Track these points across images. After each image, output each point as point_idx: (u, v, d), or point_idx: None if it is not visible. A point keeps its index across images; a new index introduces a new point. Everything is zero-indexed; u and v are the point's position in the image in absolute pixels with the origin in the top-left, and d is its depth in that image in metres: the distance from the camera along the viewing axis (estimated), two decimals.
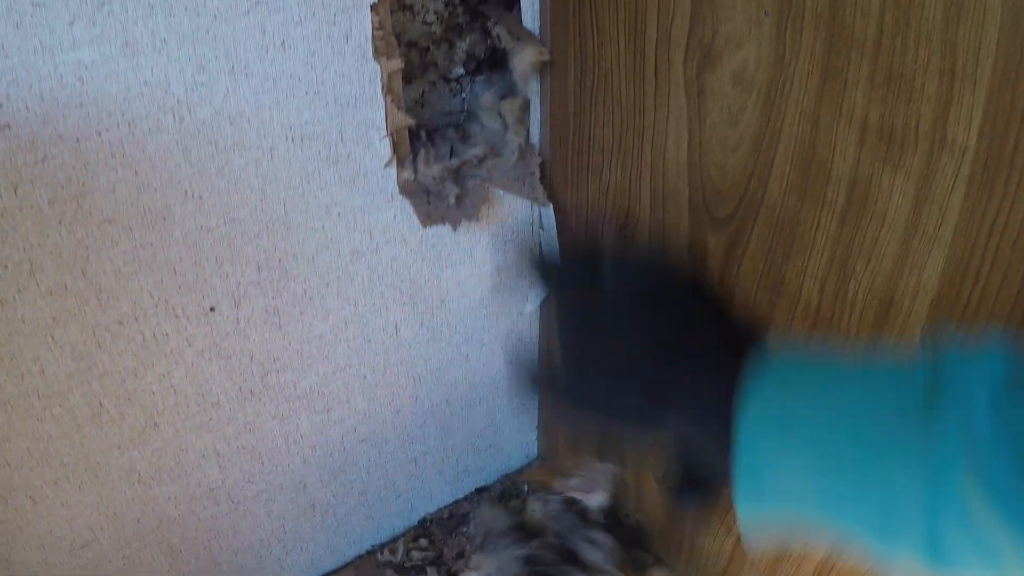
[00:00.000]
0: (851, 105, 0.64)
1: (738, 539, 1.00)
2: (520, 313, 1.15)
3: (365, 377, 1.03)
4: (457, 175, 0.93)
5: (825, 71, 0.65)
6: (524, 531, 1.18)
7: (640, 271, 0.64)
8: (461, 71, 0.94)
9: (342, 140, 0.82)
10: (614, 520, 1.21)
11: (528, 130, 0.99)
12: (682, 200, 0.84)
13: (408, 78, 0.88)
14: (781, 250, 0.76)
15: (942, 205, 0.60)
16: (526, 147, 0.98)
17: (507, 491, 1.34)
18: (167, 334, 0.83)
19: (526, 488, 1.33)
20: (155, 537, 0.98)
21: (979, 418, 0.40)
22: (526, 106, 0.97)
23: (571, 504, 1.19)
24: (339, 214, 0.87)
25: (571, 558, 1.14)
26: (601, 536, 1.15)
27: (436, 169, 0.90)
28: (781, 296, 0.78)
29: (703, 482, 0.61)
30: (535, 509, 1.23)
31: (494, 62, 0.95)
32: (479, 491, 1.34)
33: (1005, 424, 0.39)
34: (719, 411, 0.51)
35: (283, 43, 0.73)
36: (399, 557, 1.22)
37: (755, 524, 0.52)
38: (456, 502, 1.33)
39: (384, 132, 0.84)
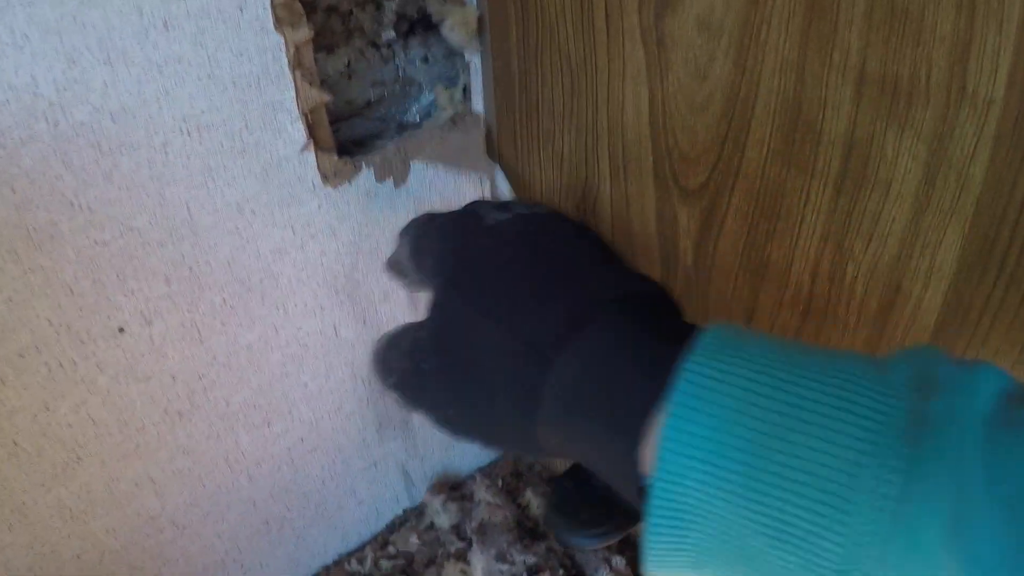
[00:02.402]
0: (844, 50, 0.55)
1: None
2: None
3: (306, 385, 0.97)
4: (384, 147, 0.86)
5: (810, 8, 0.56)
6: (526, 530, 1.15)
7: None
8: (392, 35, 0.85)
9: (247, 127, 0.74)
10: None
11: (470, 96, 0.92)
12: (646, 169, 0.76)
13: (330, 47, 0.81)
14: (764, 227, 0.68)
15: (961, 172, 0.52)
16: (468, 116, 0.92)
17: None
18: (74, 361, 0.76)
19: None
20: (100, 571, 0.93)
21: (972, 462, 0.34)
22: (465, 71, 0.90)
23: None
24: (253, 211, 0.79)
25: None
26: (617, 559, 1.10)
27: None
28: (765, 280, 0.71)
29: (596, 518, 0.53)
30: (537, 504, 1.20)
31: (429, 22, 0.87)
32: (452, 488, 1.28)
33: (993, 459, 0.33)
34: (627, 414, 0.44)
35: (165, 23, 0.65)
36: (367, 567, 1.18)
37: (669, 566, 0.43)
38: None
39: (296, 113, 0.77)
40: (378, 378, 0.61)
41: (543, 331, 0.49)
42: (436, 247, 0.60)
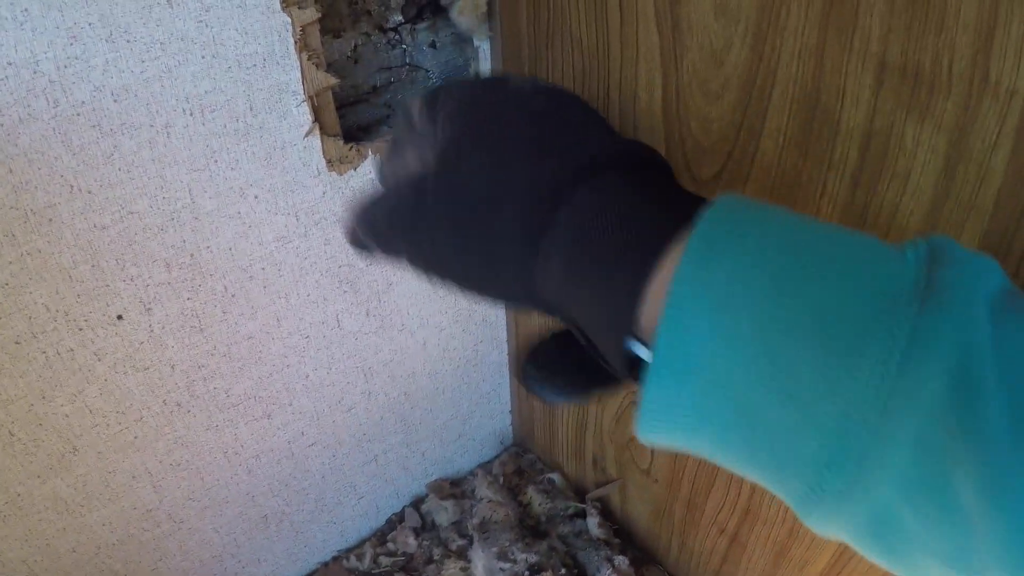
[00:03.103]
0: (865, 36, 0.54)
1: (732, 539, 0.94)
2: None
3: (307, 376, 0.96)
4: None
5: None
6: (527, 528, 1.14)
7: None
8: (399, 19, 0.84)
9: (251, 110, 0.73)
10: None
11: None
12: None
13: (336, 31, 0.80)
14: None
15: (982, 164, 0.51)
16: None
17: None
18: (72, 349, 0.75)
19: None
20: (95, 565, 0.92)
21: (979, 323, 0.34)
22: (474, 57, 0.89)
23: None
24: (256, 196, 0.78)
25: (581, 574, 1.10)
26: (620, 559, 1.09)
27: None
28: None
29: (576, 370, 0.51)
30: (539, 502, 1.18)
31: (438, 6, 0.85)
32: (453, 484, 1.26)
33: (999, 333, 0.33)
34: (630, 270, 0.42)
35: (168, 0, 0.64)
36: (366, 564, 1.16)
37: (663, 429, 0.42)
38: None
39: (302, 96, 0.75)
40: (363, 225, 0.59)
41: (559, 174, 0.47)
42: (456, 96, 0.59)
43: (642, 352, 0.42)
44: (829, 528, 0.38)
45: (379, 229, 0.55)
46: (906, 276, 0.35)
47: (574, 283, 0.45)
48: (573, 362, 0.53)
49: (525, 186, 0.48)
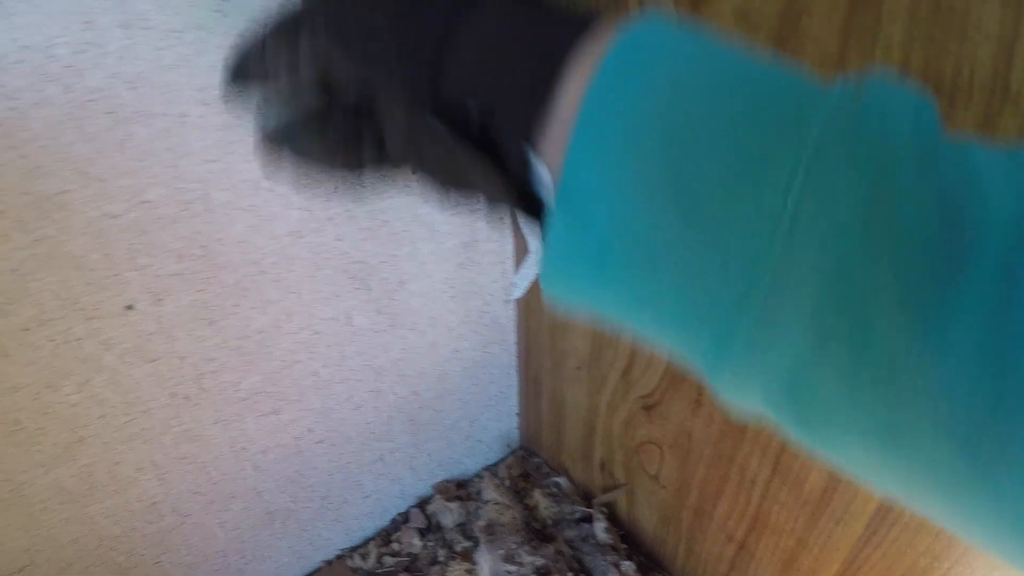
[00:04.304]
0: (887, 45, 0.53)
1: (740, 547, 0.94)
2: (505, 300, 1.07)
3: (317, 373, 0.95)
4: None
5: (854, 1, 0.54)
6: (534, 531, 1.15)
7: None
8: None
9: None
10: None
11: None
12: None
13: None
14: None
15: None
16: None
17: None
18: (80, 339, 0.74)
19: None
20: (98, 556, 0.91)
21: (902, 136, 0.32)
22: None
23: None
24: (270, 189, 0.78)
25: None
26: (626, 564, 1.09)
27: None
28: None
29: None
30: (545, 505, 1.18)
31: None
32: (459, 486, 1.26)
33: (928, 155, 0.32)
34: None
35: None
36: (370, 563, 1.16)
37: (569, 272, 0.40)
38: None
39: None
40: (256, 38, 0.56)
41: None
42: None
43: (540, 176, 0.41)
44: (743, 392, 0.36)
45: (285, 17, 0.51)
46: (826, 102, 0.34)
47: (482, 74, 0.43)
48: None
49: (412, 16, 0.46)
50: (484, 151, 0.44)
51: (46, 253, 0.68)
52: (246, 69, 0.53)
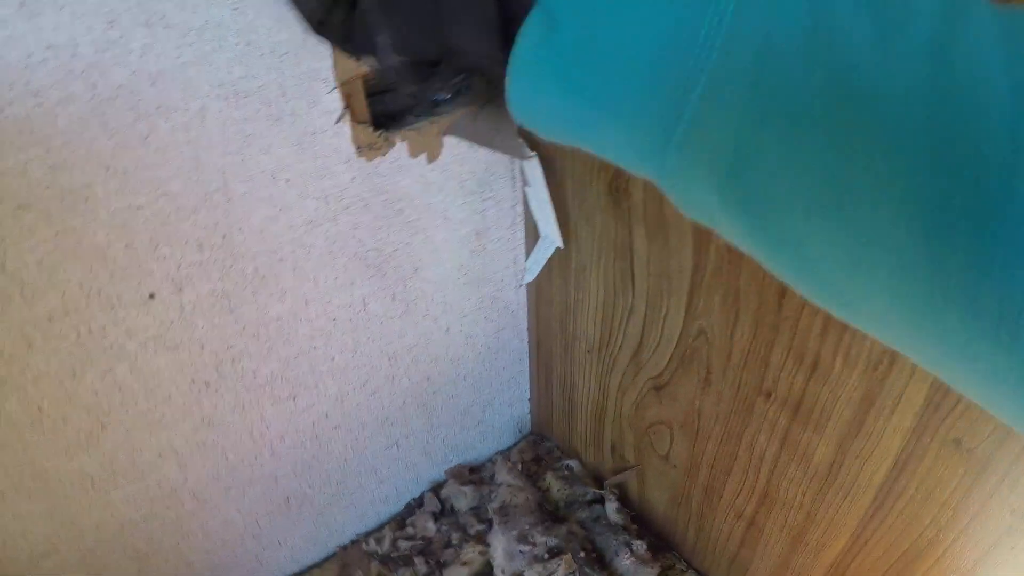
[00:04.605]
0: None
1: (750, 524, 0.95)
2: (517, 286, 1.09)
3: (333, 359, 0.97)
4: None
5: None
6: (547, 512, 1.15)
7: None
8: None
9: (284, 96, 0.74)
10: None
11: None
12: None
13: None
14: None
15: None
16: (502, 96, 0.89)
17: None
18: (104, 327, 0.76)
19: None
20: (118, 542, 0.93)
21: None
22: None
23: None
24: (288, 180, 0.79)
25: (599, 559, 1.10)
26: (638, 544, 1.10)
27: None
28: None
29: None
30: (557, 488, 1.19)
31: None
32: (472, 470, 1.28)
33: None
34: None
35: None
36: (385, 547, 1.17)
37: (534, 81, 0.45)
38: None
39: (333, 83, 0.76)
40: None
41: None
42: None
43: None
44: (692, 183, 0.38)
45: None
46: None
47: None
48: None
49: None
50: None
51: (71, 245, 0.69)
52: None
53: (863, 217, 0.32)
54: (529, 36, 0.43)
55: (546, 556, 1.06)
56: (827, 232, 0.33)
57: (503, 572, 1.07)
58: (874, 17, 0.31)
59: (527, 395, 1.31)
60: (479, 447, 1.29)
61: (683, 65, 0.36)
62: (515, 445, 1.33)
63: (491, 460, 1.29)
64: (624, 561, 1.09)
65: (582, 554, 1.07)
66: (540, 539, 1.08)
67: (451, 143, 0.89)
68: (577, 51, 0.41)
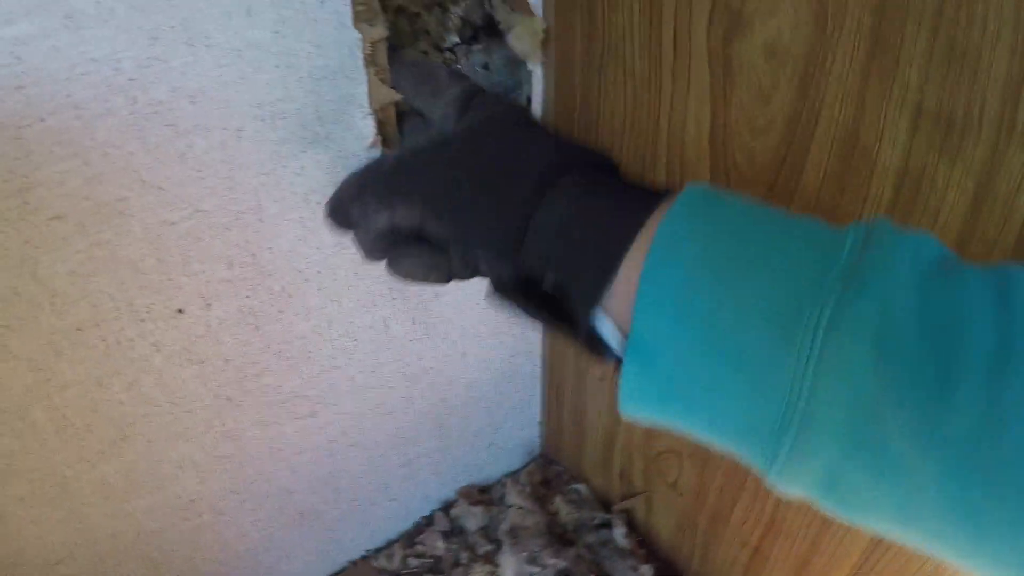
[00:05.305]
0: (904, 85, 0.57)
1: (755, 551, 0.96)
2: None
3: (353, 379, 0.97)
4: None
5: (874, 43, 0.57)
6: (556, 536, 1.15)
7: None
8: (456, 39, 0.85)
9: (319, 119, 0.75)
10: None
11: (531, 106, 0.92)
12: None
13: (396, 48, 0.80)
14: None
15: (1006, 204, 0.54)
16: None
17: None
18: (132, 339, 0.77)
19: None
20: (134, 551, 0.93)
21: (900, 292, 0.39)
22: (527, 80, 0.90)
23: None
24: (319, 202, 0.80)
25: None
26: (645, 568, 1.10)
27: None
28: None
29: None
30: (566, 511, 1.20)
31: (493, 29, 0.87)
32: (482, 491, 1.28)
33: (925, 299, 0.39)
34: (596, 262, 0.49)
35: (248, 9, 0.66)
36: (395, 564, 1.17)
37: (640, 406, 0.49)
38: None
39: (367, 109, 0.77)
40: (360, 178, 0.64)
41: (564, 161, 0.54)
42: (491, 103, 0.64)
43: (604, 327, 0.49)
44: (791, 486, 0.43)
45: (379, 177, 0.61)
46: (838, 262, 0.41)
47: (565, 236, 0.51)
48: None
49: (541, 158, 0.55)
50: (556, 306, 0.53)
51: (104, 257, 0.70)
52: (345, 216, 0.64)
53: (928, 523, 0.39)
54: (629, 375, 0.47)
55: None
56: (902, 527, 0.41)
57: None
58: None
59: (538, 419, 1.31)
60: (489, 468, 1.30)
61: (777, 413, 0.42)
62: (524, 467, 1.34)
63: (500, 481, 1.30)
64: None
65: None
66: (550, 561, 1.08)
67: None
68: (681, 392, 0.46)
